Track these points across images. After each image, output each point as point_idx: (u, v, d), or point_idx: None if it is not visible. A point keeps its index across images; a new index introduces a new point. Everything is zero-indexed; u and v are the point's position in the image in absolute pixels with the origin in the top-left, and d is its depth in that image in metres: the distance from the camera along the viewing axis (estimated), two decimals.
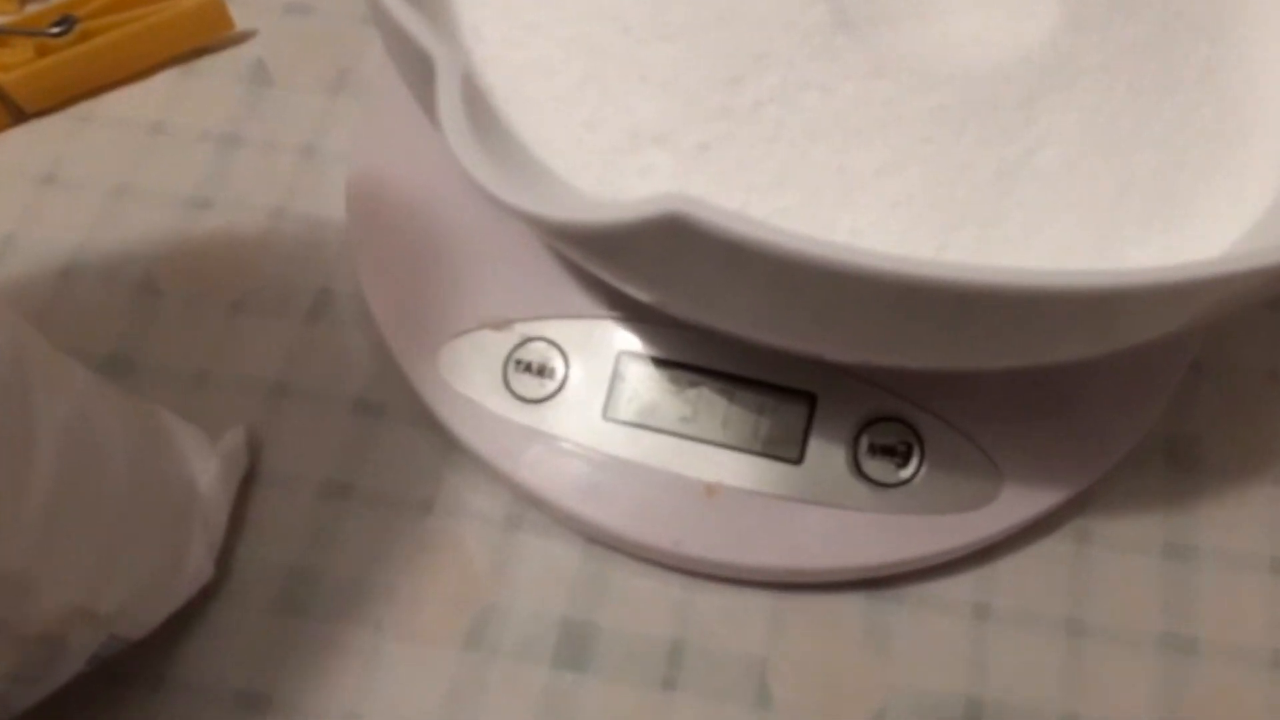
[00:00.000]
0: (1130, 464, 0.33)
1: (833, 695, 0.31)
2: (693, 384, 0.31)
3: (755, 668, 0.31)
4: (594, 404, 0.31)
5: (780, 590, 0.32)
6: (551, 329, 0.32)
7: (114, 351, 0.35)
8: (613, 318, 0.32)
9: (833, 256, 0.18)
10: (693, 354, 0.31)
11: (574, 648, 0.32)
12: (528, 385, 0.31)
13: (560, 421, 0.31)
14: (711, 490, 0.31)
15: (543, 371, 0.31)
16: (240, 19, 0.40)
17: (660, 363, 0.31)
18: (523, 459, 0.31)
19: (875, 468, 0.31)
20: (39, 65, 0.38)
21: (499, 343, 0.32)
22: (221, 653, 0.32)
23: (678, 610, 0.32)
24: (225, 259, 0.37)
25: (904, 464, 0.31)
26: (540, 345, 0.32)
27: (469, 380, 0.31)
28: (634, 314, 0.32)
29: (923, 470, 0.31)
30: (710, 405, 0.31)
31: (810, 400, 0.31)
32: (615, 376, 0.31)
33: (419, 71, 0.21)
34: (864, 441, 0.31)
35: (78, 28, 0.38)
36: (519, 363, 0.31)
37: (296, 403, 0.35)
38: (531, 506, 0.33)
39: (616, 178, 0.26)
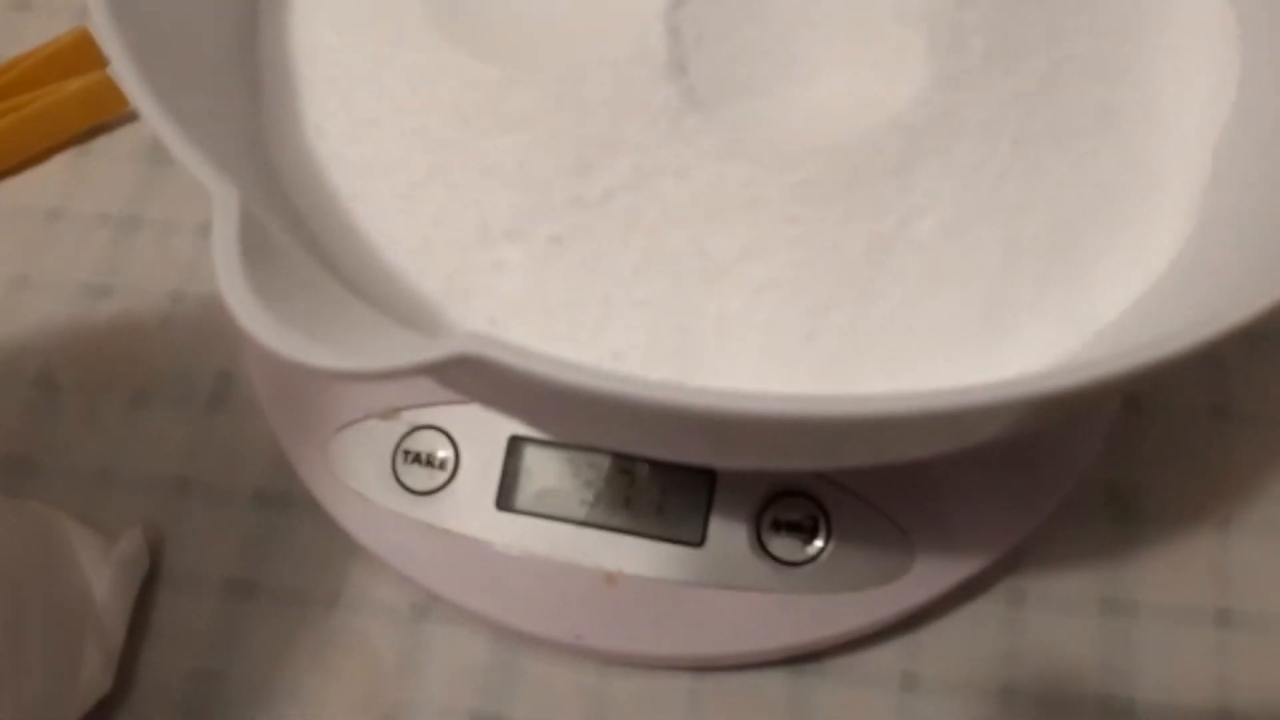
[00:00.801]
0: (1067, 515, 0.32)
1: None
2: (590, 466, 0.30)
3: None
4: (486, 494, 0.30)
5: (697, 672, 0.31)
6: (439, 415, 0.30)
7: (11, 451, 0.35)
8: None
9: (606, 387, 0.16)
10: None
11: None
12: (417, 477, 0.30)
13: (452, 514, 0.30)
14: (612, 579, 0.29)
15: (431, 461, 0.30)
16: None
17: (554, 445, 0.30)
18: (416, 555, 0.30)
19: (780, 545, 0.29)
20: None
21: (387, 432, 0.31)
22: None
23: (592, 698, 0.31)
24: (124, 348, 0.36)
25: (810, 540, 0.29)
26: (428, 433, 0.30)
27: (358, 474, 0.30)
28: None
29: (830, 545, 0.29)
30: (609, 488, 0.30)
31: (710, 478, 0.30)
32: (508, 463, 0.30)
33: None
34: (767, 518, 0.29)
35: None
36: (407, 453, 0.30)
37: (198, 497, 0.34)
38: (438, 599, 0.32)
39: (468, 276, 0.25)
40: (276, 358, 0.17)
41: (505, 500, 0.30)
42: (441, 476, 0.30)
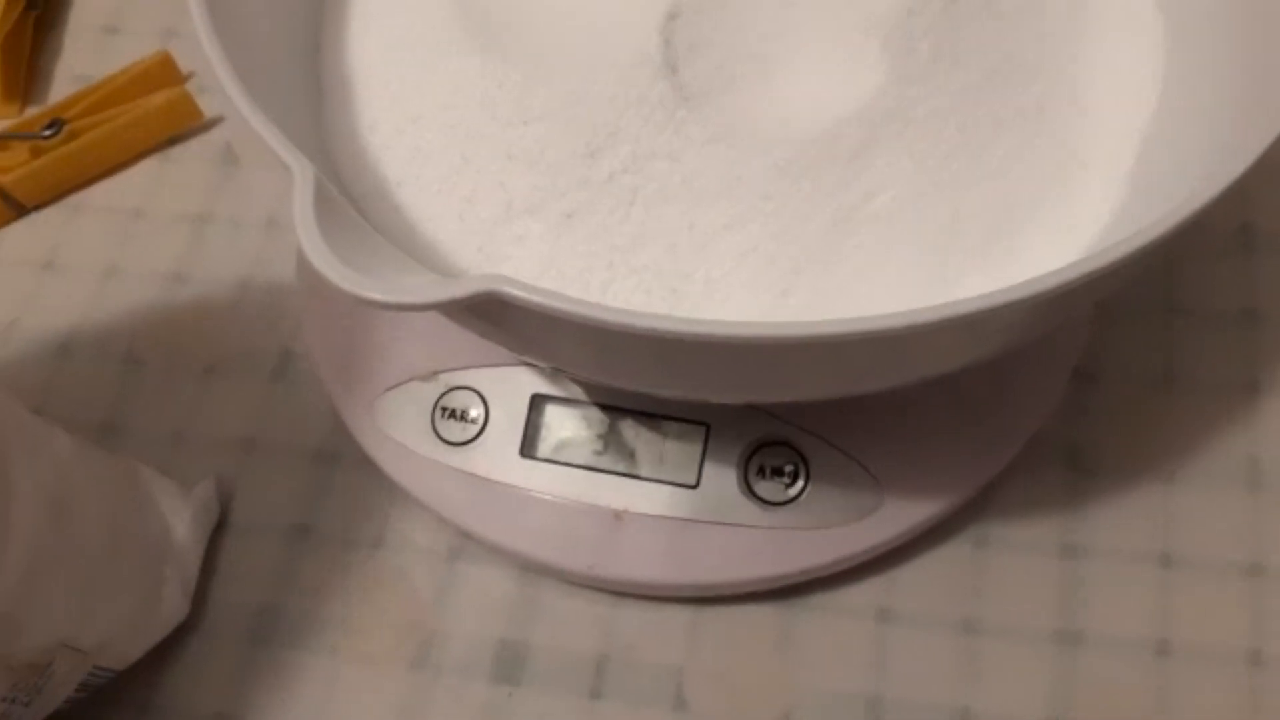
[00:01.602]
0: (1027, 470, 0.36)
1: (743, 699, 0.34)
2: (600, 420, 0.34)
3: (673, 677, 0.34)
4: (512, 444, 0.34)
5: (698, 604, 0.35)
6: (471, 377, 0.35)
7: (104, 417, 0.40)
8: (525, 364, 0.35)
9: (605, 318, 0.21)
10: (598, 393, 0.34)
11: (510, 665, 0.35)
12: (452, 430, 0.35)
13: (483, 462, 0.34)
14: (619, 516, 0.34)
15: (465, 417, 0.35)
16: (209, 107, 0.45)
17: (569, 402, 0.35)
18: (451, 497, 0.34)
19: (765, 488, 0.33)
20: (34, 165, 0.43)
21: (426, 392, 0.35)
22: (198, 681, 0.35)
23: (603, 627, 0.35)
24: (199, 329, 0.41)
25: (791, 483, 0.33)
26: (462, 393, 0.35)
27: (401, 428, 0.35)
28: None
29: (809, 487, 0.33)
30: (617, 439, 0.34)
31: (705, 430, 0.34)
32: (530, 417, 0.35)
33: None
34: (754, 464, 0.34)
35: (66, 129, 0.43)
36: (444, 410, 0.35)
37: (262, 455, 0.39)
38: (469, 539, 0.36)
39: (496, 246, 0.29)
40: (337, 307, 0.22)
41: (528, 449, 0.34)
42: (473, 429, 0.35)
